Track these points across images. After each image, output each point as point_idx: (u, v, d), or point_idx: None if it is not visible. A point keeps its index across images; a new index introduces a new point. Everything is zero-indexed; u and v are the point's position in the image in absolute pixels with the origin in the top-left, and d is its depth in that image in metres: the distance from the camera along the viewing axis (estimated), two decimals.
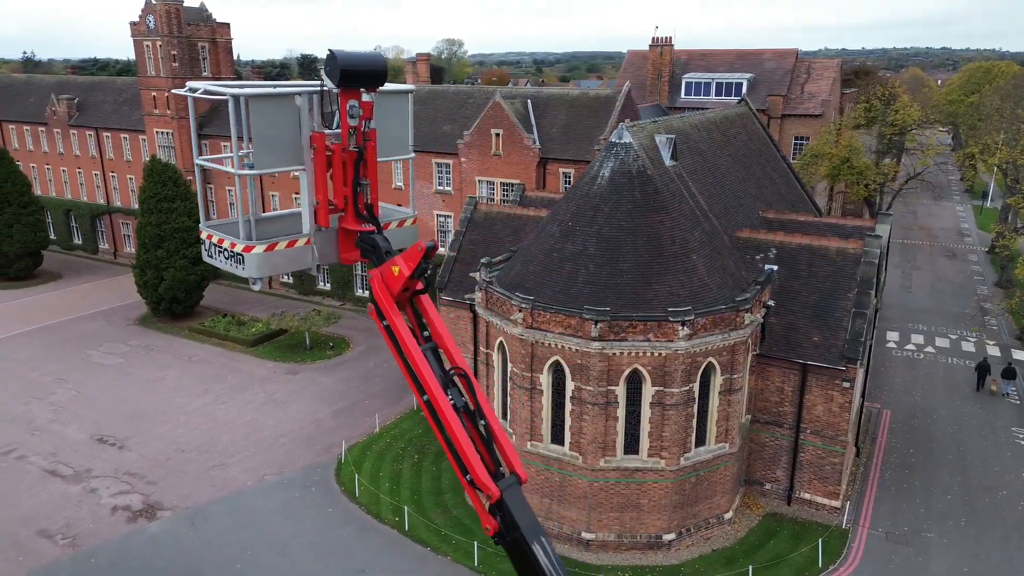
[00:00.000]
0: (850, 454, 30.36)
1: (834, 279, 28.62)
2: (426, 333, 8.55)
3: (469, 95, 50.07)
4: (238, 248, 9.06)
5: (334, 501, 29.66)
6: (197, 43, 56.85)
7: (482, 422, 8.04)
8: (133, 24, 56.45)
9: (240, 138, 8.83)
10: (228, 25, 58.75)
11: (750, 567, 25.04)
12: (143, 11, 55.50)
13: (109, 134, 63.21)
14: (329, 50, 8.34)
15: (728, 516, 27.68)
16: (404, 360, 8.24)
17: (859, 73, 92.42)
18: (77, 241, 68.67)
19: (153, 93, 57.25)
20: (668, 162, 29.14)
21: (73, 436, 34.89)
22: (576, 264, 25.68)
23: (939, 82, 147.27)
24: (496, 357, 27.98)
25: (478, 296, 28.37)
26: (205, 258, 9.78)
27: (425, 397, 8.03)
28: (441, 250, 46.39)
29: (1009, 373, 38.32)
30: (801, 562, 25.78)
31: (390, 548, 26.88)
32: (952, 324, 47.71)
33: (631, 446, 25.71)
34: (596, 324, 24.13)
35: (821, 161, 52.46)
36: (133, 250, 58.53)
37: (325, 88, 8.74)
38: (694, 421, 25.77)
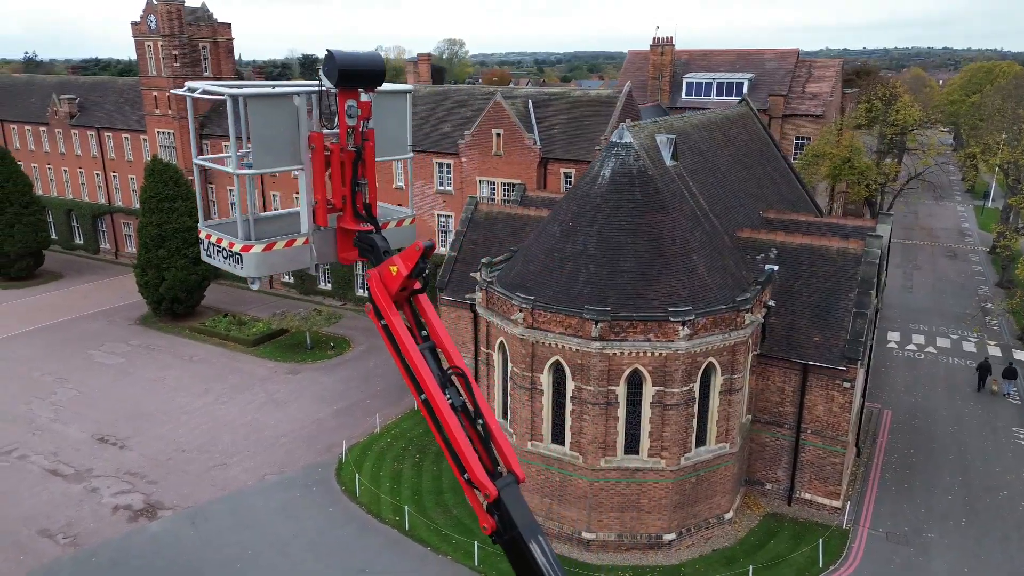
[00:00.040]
0: (851, 454, 30.36)
1: (835, 279, 28.60)
2: (424, 333, 8.54)
3: (470, 95, 50.08)
4: (236, 248, 9.06)
5: (335, 501, 29.68)
6: (198, 43, 56.89)
7: (480, 421, 8.04)
8: (134, 24, 56.50)
9: (239, 138, 8.84)
10: (229, 25, 58.80)
11: (750, 567, 25.04)
12: (144, 11, 55.55)
13: (110, 134, 63.26)
14: (327, 50, 8.34)
15: (728, 516, 27.68)
16: (402, 359, 8.24)
17: (860, 73, 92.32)
18: (78, 241, 68.73)
19: (154, 93, 57.30)
20: (669, 162, 29.14)
21: (74, 436, 34.92)
22: (577, 264, 25.69)
23: (940, 82, 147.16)
24: (497, 357, 27.99)
25: (479, 296, 28.38)
26: (204, 258, 9.79)
27: (423, 396, 8.03)
28: (442, 250, 46.42)
29: (1010, 373, 38.30)
30: (801, 562, 25.77)
31: (390, 548, 26.90)
32: (953, 324, 47.68)
33: (631, 446, 25.71)
34: (596, 324, 24.14)
35: (822, 161, 52.46)
36: (134, 250, 58.56)
37: (323, 88, 8.73)
38: (694, 421, 25.77)
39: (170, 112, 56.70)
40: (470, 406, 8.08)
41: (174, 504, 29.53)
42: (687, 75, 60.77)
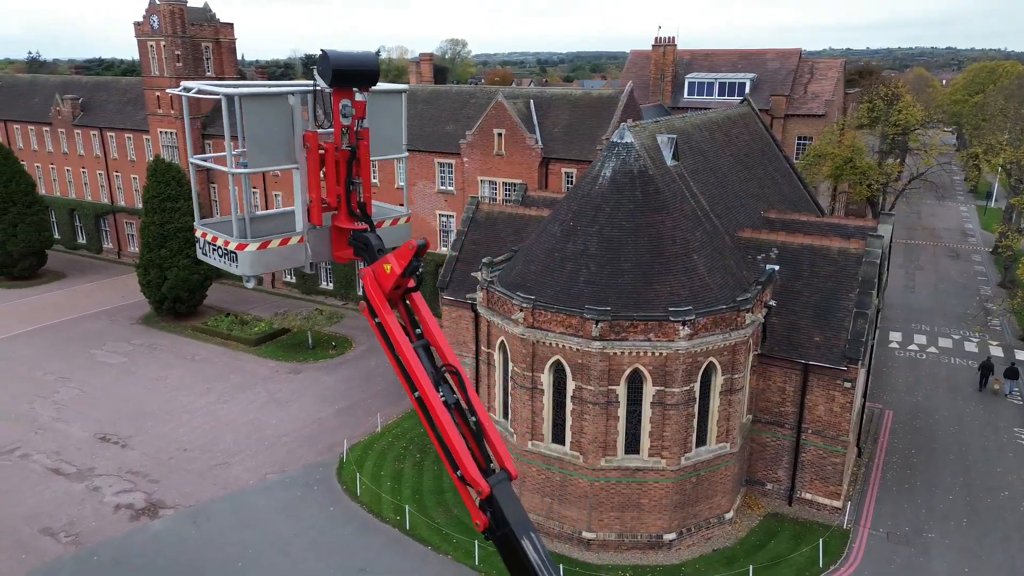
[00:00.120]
0: (851, 454, 30.35)
1: (836, 279, 28.60)
2: (418, 331, 8.59)
3: (472, 95, 50.12)
4: (232, 246, 9.13)
5: (335, 500, 29.73)
6: (201, 43, 57.01)
7: (473, 419, 8.09)
8: (137, 24, 56.65)
9: (235, 137, 8.89)
10: (231, 25, 58.93)
11: (751, 567, 25.05)
12: (147, 11, 55.69)
13: (113, 134, 63.40)
14: (321, 50, 8.40)
15: (729, 516, 27.69)
16: (396, 357, 8.30)
17: (863, 73, 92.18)
18: (81, 240, 68.90)
19: (157, 93, 57.45)
20: (670, 162, 29.16)
21: (76, 435, 35.03)
22: (577, 264, 25.71)
23: (943, 82, 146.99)
24: (497, 356, 28.03)
25: (479, 296, 28.42)
26: (200, 256, 9.86)
27: (416, 394, 8.09)
28: (443, 250, 46.50)
29: (1012, 373, 38.25)
30: (802, 562, 25.77)
31: (391, 547, 26.95)
32: (955, 324, 47.62)
33: (632, 446, 25.73)
34: (597, 324, 24.16)
35: (824, 161, 52.41)
36: (137, 249, 58.70)
37: (318, 88, 8.79)
38: (695, 421, 25.78)
39: (172, 112, 56.84)
40: (463, 404, 8.13)
41: (176, 503, 29.61)
42: (689, 75, 60.74)
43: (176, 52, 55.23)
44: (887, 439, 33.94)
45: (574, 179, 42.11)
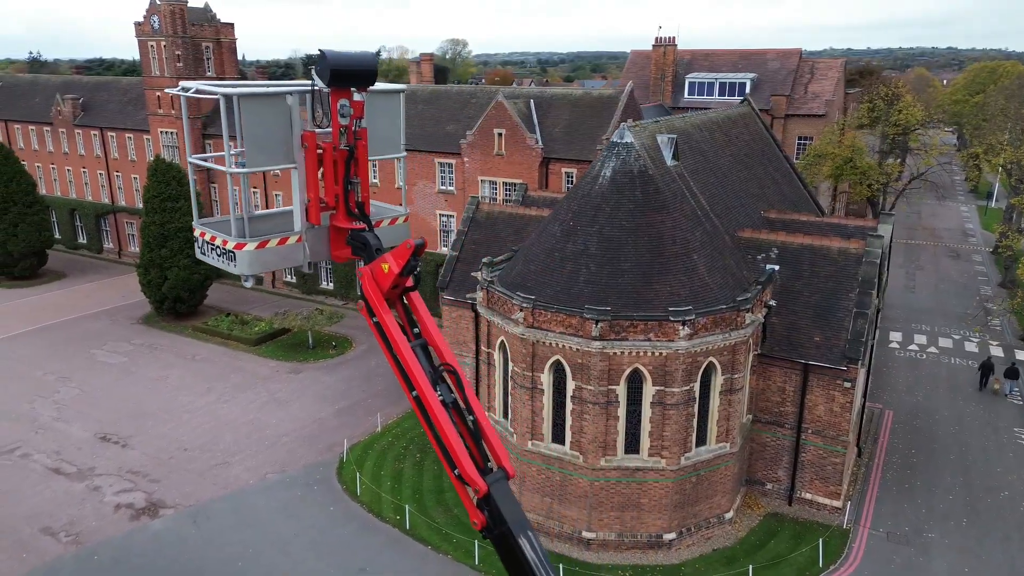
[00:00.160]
0: (851, 454, 30.35)
1: (836, 279, 28.60)
2: (416, 330, 8.61)
3: (472, 95, 50.14)
4: (230, 245, 9.15)
5: (336, 500, 29.75)
6: (201, 43, 57.04)
7: (471, 418, 8.11)
8: (138, 24, 56.68)
9: (233, 137, 8.91)
10: (232, 25, 58.95)
11: (750, 567, 25.05)
12: (148, 11, 55.72)
13: (114, 134, 63.45)
14: (319, 50, 8.42)
15: (729, 516, 27.69)
16: (394, 356, 8.32)
17: (863, 73, 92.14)
18: (82, 240, 68.94)
19: (158, 93, 57.48)
20: (670, 162, 29.16)
21: (77, 434, 35.05)
22: (577, 264, 25.72)
23: (944, 82, 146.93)
24: (497, 356, 28.04)
25: (480, 295, 28.43)
26: (198, 255, 9.88)
27: (414, 393, 8.11)
28: (443, 250, 46.51)
29: (1012, 373, 38.24)
30: (802, 562, 25.78)
31: (391, 547, 26.96)
32: (955, 324, 47.61)
33: (632, 445, 25.74)
34: (597, 323, 24.17)
35: (824, 161, 52.41)
36: (137, 249, 58.73)
37: (316, 88, 8.81)
38: (695, 421, 25.79)
39: (173, 112, 56.88)
40: (461, 403, 8.15)
41: (176, 503, 29.63)
42: (689, 75, 60.74)
43: (177, 52, 55.27)
44: (887, 439, 33.94)
45: (574, 179, 42.12)
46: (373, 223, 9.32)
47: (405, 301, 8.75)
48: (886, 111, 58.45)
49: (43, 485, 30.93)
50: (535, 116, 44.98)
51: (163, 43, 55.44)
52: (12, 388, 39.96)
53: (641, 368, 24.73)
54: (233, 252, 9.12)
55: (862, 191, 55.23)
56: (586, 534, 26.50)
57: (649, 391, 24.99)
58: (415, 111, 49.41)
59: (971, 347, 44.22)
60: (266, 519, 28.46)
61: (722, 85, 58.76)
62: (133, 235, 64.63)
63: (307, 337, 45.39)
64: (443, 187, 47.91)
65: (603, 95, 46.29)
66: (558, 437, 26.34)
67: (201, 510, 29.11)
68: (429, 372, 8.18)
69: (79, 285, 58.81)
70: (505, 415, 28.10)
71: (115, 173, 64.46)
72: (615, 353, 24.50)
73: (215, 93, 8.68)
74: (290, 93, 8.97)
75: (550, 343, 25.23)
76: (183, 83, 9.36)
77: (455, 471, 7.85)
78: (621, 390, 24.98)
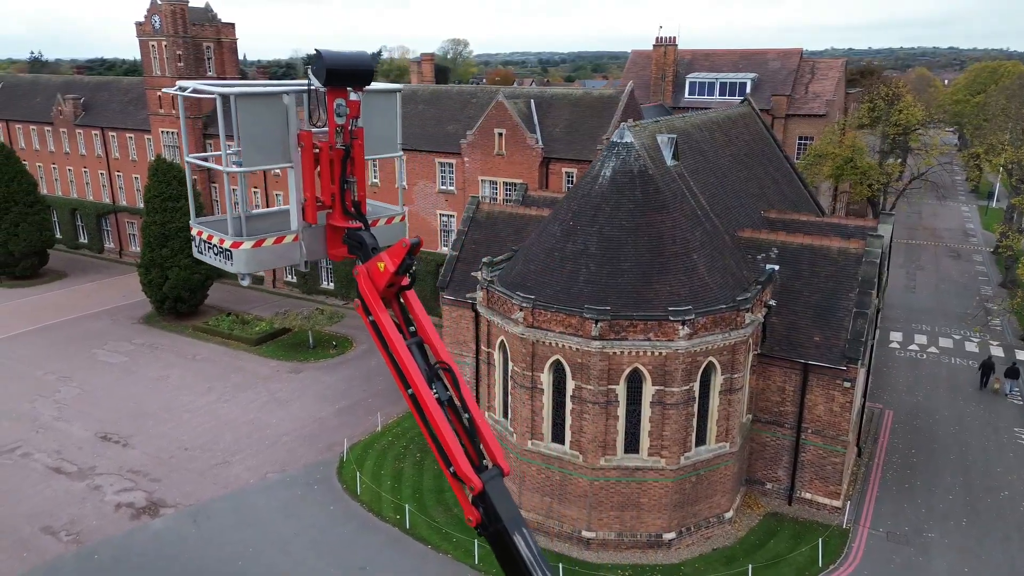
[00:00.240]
0: (851, 454, 30.36)
1: (836, 279, 28.61)
2: (412, 328, 8.65)
3: (473, 95, 50.16)
4: (226, 244, 9.19)
5: (336, 499, 29.79)
6: (202, 43, 57.10)
7: (466, 416, 8.16)
8: (139, 24, 56.74)
9: (230, 136, 8.95)
10: (233, 25, 59.02)
11: (750, 566, 25.07)
12: (148, 11, 55.77)
13: (115, 134, 63.52)
14: (316, 49, 8.46)
15: (729, 515, 27.71)
16: (390, 355, 8.36)
17: (864, 73, 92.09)
18: (83, 240, 69.03)
19: (158, 93, 57.51)
20: (670, 162, 29.18)
21: (77, 434, 35.10)
22: (577, 263, 25.74)
23: (946, 82, 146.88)
24: (497, 356, 28.06)
25: (480, 295, 28.46)
26: (196, 254, 9.93)
27: (410, 391, 8.16)
28: (443, 249, 46.54)
29: (1013, 372, 38.25)
30: (801, 562, 25.79)
31: (391, 546, 27.00)
32: (956, 324, 47.61)
33: (631, 445, 25.76)
34: (597, 323, 24.19)
35: (825, 161, 52.42)
36: (138, 249, 58.81)
37: (313, 87, 8.84)
38: (694, 420, 25.80)
39: (174, 112, 56.92)
40: (456, 401, 8.19)
41: (176, 502, 29.68)
42: (690, 75, 60.76)
43: (177, 52, 55.33)
44: (887, 439, 33.95)
45: (574, 179, 42.13)
46: (370, 222, 9.35)
47: (401, 300, 8.79)
48: (887, 111, 58.44)
49: (44, 484, 30.99)
50: (535, 116, 45.00)
51: (164, 43, 55.51)
52: (13, 388, 40.02)
53: (641, 368, 24.75)
54: (230, 251, 9.15)
55: (862, 191, 55.24)
56: (586, 533, 26.52)
57: (649, 391, 25.01)
58: (416, 111, 49.44)
59: (971, 347, 44.22)
60: (266, 518, 28.49)
61: (723, 85, 58.78)
62: (134, 235, 64.71)
63: (308, 337, 45.43)
64: (443, 187, 47.94)
65: (603, 95, 46.31)
66: (558, 437, 26.36)
67: (201, 509, 29.16)
68: (425, 370, 8.23)
69: (80, 285, 58.88)
70: (505, 415, 28.12)
71: (116, 173, 64.53)
72: (615, 353, 24.52)
73: (212, 93, 8.71)
74: (286, 92, 9.01)
75: (550, 343, 25.25)
76: (180, 83, 9.42)
77: (451, 469, 7.90)
78: (621, 390, 25.00)
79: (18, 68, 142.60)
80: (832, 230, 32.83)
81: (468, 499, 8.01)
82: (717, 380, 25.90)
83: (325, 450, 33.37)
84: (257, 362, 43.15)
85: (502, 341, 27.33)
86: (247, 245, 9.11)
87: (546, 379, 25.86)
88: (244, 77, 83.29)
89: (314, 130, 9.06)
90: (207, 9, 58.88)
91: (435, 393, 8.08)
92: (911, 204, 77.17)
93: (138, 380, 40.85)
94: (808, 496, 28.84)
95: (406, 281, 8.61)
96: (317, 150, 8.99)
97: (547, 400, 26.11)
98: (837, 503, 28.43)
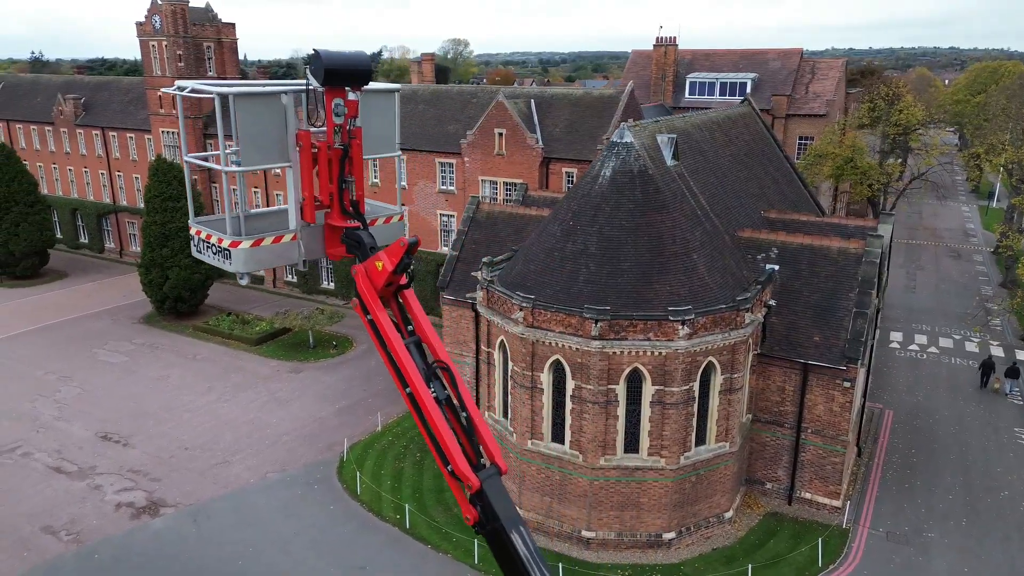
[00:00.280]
0: (851, 454, 30.36)
1: (836, 279, 28.62)
2: (410, 327, 8.67)
3: (473, 95, 50.17)
4: (225, 243, 9.21)
5: (336, 499, 29.80)
6: (203, 43, 57.12)
7: (464, 414, 8.17)
8: (139, 24, 56.75)
9: (229, 136, 8.97)
10: (233, 25, 59.03)
11: (750, 566, 25.08)
12: (149, 11, 55.80)
13: (115, 134, 63.54)
14: (314, 49, 8.48)
15: (728, 515, 27.71)
16: (388, 354, 8.38)
17: (864, 73, 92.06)
18: (83, 240, 69.05)
19: (159, 93, 57.53)
20: (670, 162, 29.19)
21: (78, 433, 35.13)
22: (577, 263, 25.75)
23: (946, 82, 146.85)
24: (497, 356, 28.08)
25: (480, 295, 28.47)
26: (194, 253, 9.95)
27: (408, 390, 8.18)
28: (444, 249, 46.56)
29: (1013, 372, 38.26)
30: (801, 561, 25.80)
31: (391, 546, 27.01)
32: (956, 324, 47.60)
33: (631, 445, 25.77)
34: (596, 323, 24.20)
35: (825, 161, 52.42)
36: (139, 249, 58.83)
37: (311, 87, 8.86)
38: (694, 420, 25.81)
39: (174, 112, 56.91)
40: (454, 399, 8.21)
41: (176, 502, 29.70)
42: (690, 75, 60.75)
43: (178, 52, 55.35)
44: (887, 439, 33.95)
45: (574, 179, 42.14)
46: (368, 222, 9.37)
47: (400, 299, 8.81)
48: (887, 111, 58.44)
49: (44, 484, 31.01)
50: (535, 116, 45.01)
51: (164, 43, 55.53)
52: (13, 387, 40.05)
53: (640, 367, 24.76)
54: (228, 250, 9.18)
55: (863, 191, 55.23)
56: (586, 533, 26.53)
57: (648, 390, 25.02)
58: (416, 111, 49.46)
59: (971, 347, 44.22)
60: (266, 518, 28.51)
61: (723, 85, 58.78)
62: (134, 235, 64.73)
63: (308, 337, 45.45)
64: (444, 187, 47.96)
65: (603, 95, 46.32)
66: (558, 436, 26.37)
67: (201, 509, 29.18)
68: (423, 369, 8.25)
69: (80, 285, 58.91)
70: (505, 414, 28.14)
71: (116, 173, 64.56)
72: (614, 352, 24.53)
73: (210, 92, 8.73)
74: (285, 92, 9.03)
75: (550, 342, 25.27)
76: (179, 82, 9.45)
77: (448, 467, 7.92)
78: (620, 389, 25.01)
79: (19, 68, 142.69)
80: (832, 230, 32.84)
81: (466, 497, 8.02)
82: (717, 380, 25.91)
83: (325, 450, 33.39)
84: (257, 362, 43.18)
85: (502, 341, 27.34)
86: (245, 244, 9.13)
87: (546, 379, 25.87)
88: (244, 77, 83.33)
89: (312, 130, 9.08)
90: (207, 9, 58.90)
91: (433, 392, 8.11)
92: (911, 204, 77.18)
93: (138, 380, 40.88)
94: (808, 496, 28.84)
95: (404, 280, 8.63)
96: (315, 150, 9.01)
97: (547, 400, 26.13)
98: (837, 503, 28.43)
